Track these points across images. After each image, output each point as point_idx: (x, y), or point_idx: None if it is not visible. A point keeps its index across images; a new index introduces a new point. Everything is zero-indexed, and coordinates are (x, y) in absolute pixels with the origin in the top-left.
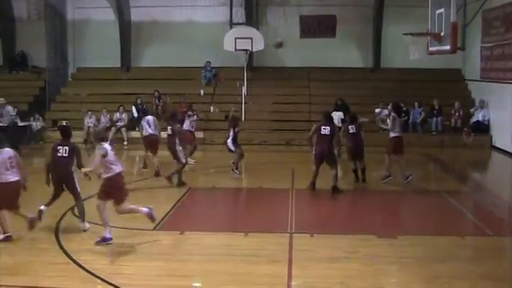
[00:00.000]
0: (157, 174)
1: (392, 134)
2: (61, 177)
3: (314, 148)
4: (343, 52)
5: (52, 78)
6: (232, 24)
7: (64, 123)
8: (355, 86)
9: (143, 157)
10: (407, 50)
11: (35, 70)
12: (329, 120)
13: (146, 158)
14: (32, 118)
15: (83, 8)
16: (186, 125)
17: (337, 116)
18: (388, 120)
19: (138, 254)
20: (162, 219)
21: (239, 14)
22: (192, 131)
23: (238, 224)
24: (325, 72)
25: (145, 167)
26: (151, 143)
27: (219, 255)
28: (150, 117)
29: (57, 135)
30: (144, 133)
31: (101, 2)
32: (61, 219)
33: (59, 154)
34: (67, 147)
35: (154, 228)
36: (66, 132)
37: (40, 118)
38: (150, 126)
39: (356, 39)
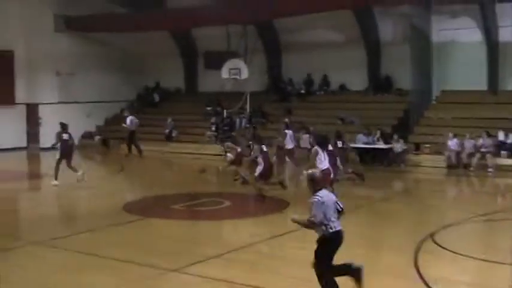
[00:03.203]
0: None
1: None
2: None
3: None
4: None
5: (416, 101)
6: None
7: None
8: None
9: None
10: None
11: (399, 93)
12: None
13: None
14: (393, 141)
15: (448, 30)
16: None
17: None
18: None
19: None
20: None
21: None
22: None
23: None
24: None
25: None
26: None
27: None
28: None
29: (419, 158)
30: None
31: (467, 23)
32: (421, 244)
33: None
34: None
35: None
36: None
37: (401, 141)
38: None
39: None
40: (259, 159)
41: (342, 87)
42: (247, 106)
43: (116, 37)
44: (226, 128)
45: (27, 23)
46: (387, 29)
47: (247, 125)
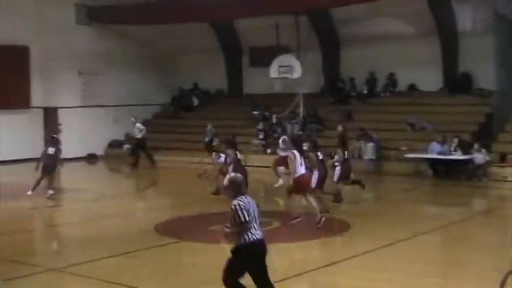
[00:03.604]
0: None
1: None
2: None
3: None
4: None
5: (501, 103)
6: None
7: None
8: None
9: None
10: None
11: (481, 93)
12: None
13: None
14: (473, 150)
15: None
16: None
17: None
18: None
19: None
20: None
21: None
22: None
23: None
24: None
25: None
26: None
27: None
28: None
29: (505, 172)
30: None
31: None
32: (508, 275)
33: None
34: None
35: None
36: None
37: (483, 150)
38: None
39: None
40: (230, 169)
41: (412, 87)
42: (300, 110)
43: (147, 31)
44: (275, 135)
45: (44, 14)
46: (466, 16)
47: (300, 132)
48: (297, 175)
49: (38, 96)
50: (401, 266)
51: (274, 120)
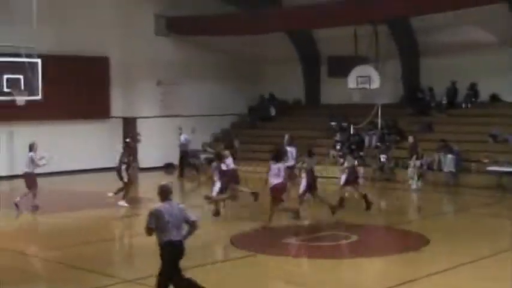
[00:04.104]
0: None
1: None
2: None
3: None
4: None
5: None
6: None
7: None
8: None
9: None
10: None
11: None
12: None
13: None
14: None
15: None
16: None
17: None
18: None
19: None
20: None
21: None
22: None
23: None
24: None
25: None
26: None
27: None
28: None
29: None
30: None
31: None
32: None
33: None
34: None
35: None
36: None
37: None
38: None
39: None
40: (216, 178)
41: (494, 98)
42: (379, 121)
43: (225, 41)
44: (353, 146)
45: (124, 26)
46: None
47: (379, 143)
48: (271, 185)
49: (118, 106)
50: (482, 284)
51: (352, 131)
